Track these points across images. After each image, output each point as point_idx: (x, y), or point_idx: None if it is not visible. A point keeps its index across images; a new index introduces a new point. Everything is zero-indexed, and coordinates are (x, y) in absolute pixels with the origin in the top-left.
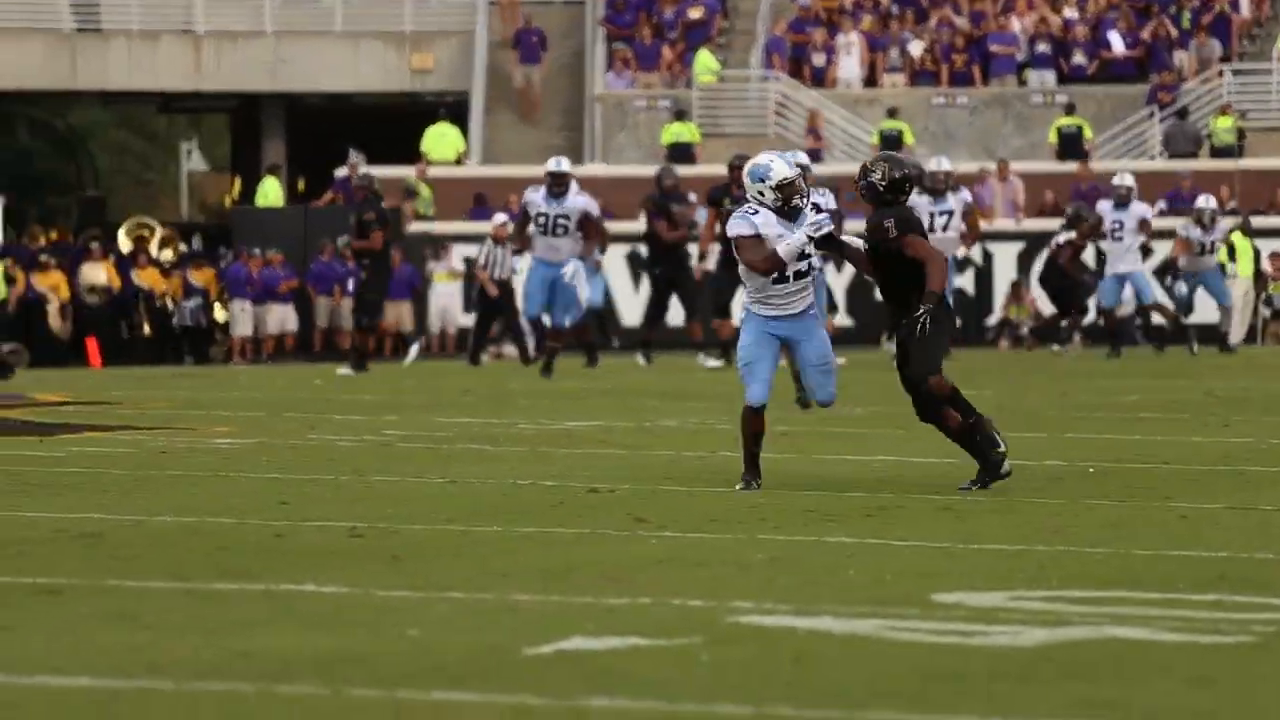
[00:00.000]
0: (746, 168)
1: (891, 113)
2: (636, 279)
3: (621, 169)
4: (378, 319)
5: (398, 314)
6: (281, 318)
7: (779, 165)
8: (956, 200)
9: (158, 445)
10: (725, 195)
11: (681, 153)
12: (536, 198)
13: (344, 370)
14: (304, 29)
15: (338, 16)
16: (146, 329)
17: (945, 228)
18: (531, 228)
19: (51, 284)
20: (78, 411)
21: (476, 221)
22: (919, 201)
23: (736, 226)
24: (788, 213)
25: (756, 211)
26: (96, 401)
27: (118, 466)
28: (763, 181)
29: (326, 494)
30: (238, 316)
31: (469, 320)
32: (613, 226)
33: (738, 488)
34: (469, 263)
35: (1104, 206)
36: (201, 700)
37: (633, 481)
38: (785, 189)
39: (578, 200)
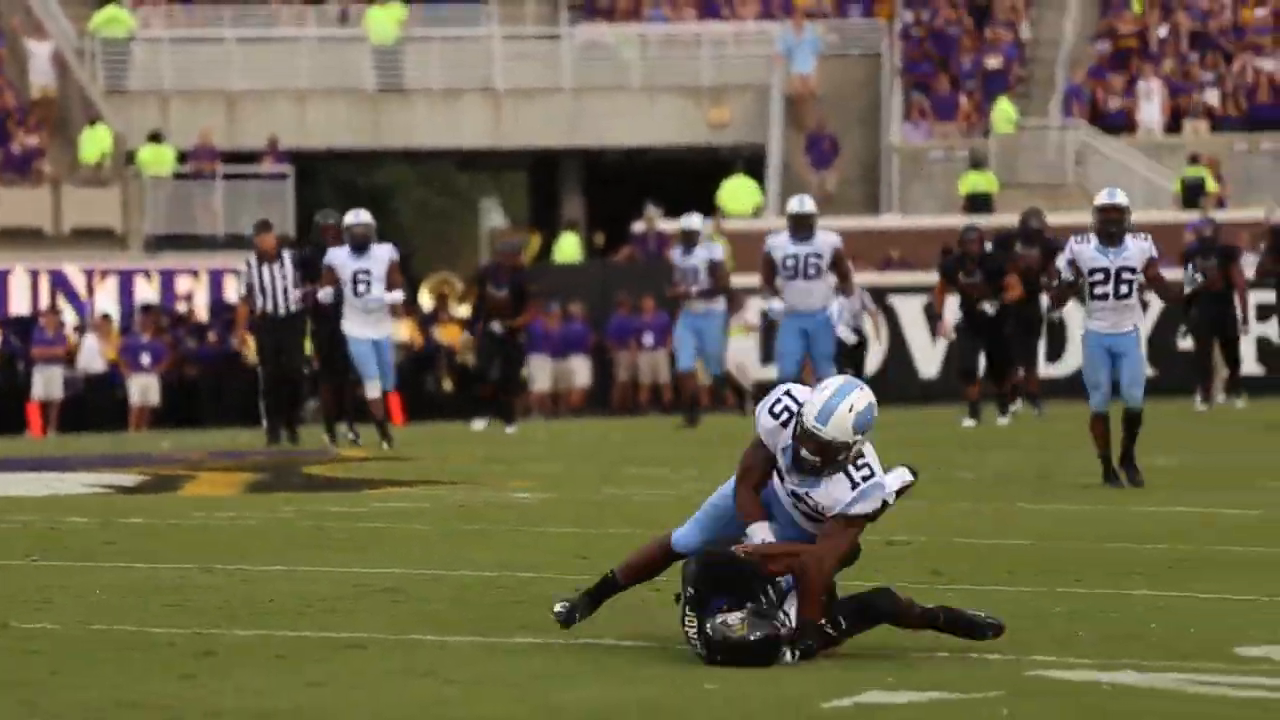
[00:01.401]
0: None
1: (1193, 160)
2: (932, 331)
3: (919, 220)
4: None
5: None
6: (577, 371)
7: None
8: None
9: (457, 500)
10: (959, 269)
11: (979, 202)
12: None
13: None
14: (601, 84)
15: (635, 72)
16: (448, 385)
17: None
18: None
19: None
20: (379, 467)
21: None
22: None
23: None
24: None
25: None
26: (398, 458)
27: (418, 521)
28: None
29: (623, 548)
30: (537, 372)
31: (766, 373)
32: (909, 278)
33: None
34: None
35: None
36: None
37: (929, 533)
38: (1101, 213)
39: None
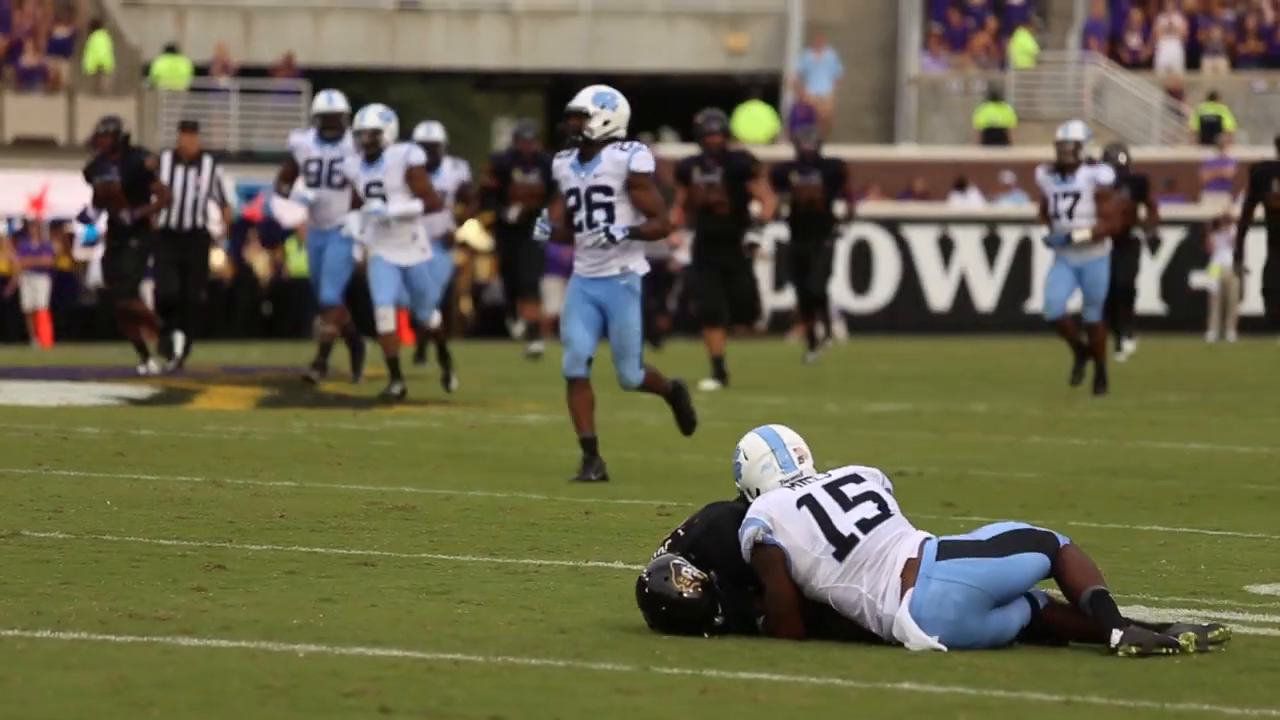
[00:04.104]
0: None
1: (1211, 97)
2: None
3: (935, 150)
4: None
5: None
6: None
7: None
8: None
9: (468, 420)
10: (696, 166)
11: (995, 135)
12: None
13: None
14: (620, 8)
15: None
16: (464, 306)
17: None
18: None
19: None
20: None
21: None
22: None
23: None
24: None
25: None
26: (409, 377)
27: (429, 441)
28: None
29: (635, 472)
30: (549, 294)
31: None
32: (923, 209)
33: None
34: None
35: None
36: (516, 674)
37: (941, 465)
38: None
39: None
